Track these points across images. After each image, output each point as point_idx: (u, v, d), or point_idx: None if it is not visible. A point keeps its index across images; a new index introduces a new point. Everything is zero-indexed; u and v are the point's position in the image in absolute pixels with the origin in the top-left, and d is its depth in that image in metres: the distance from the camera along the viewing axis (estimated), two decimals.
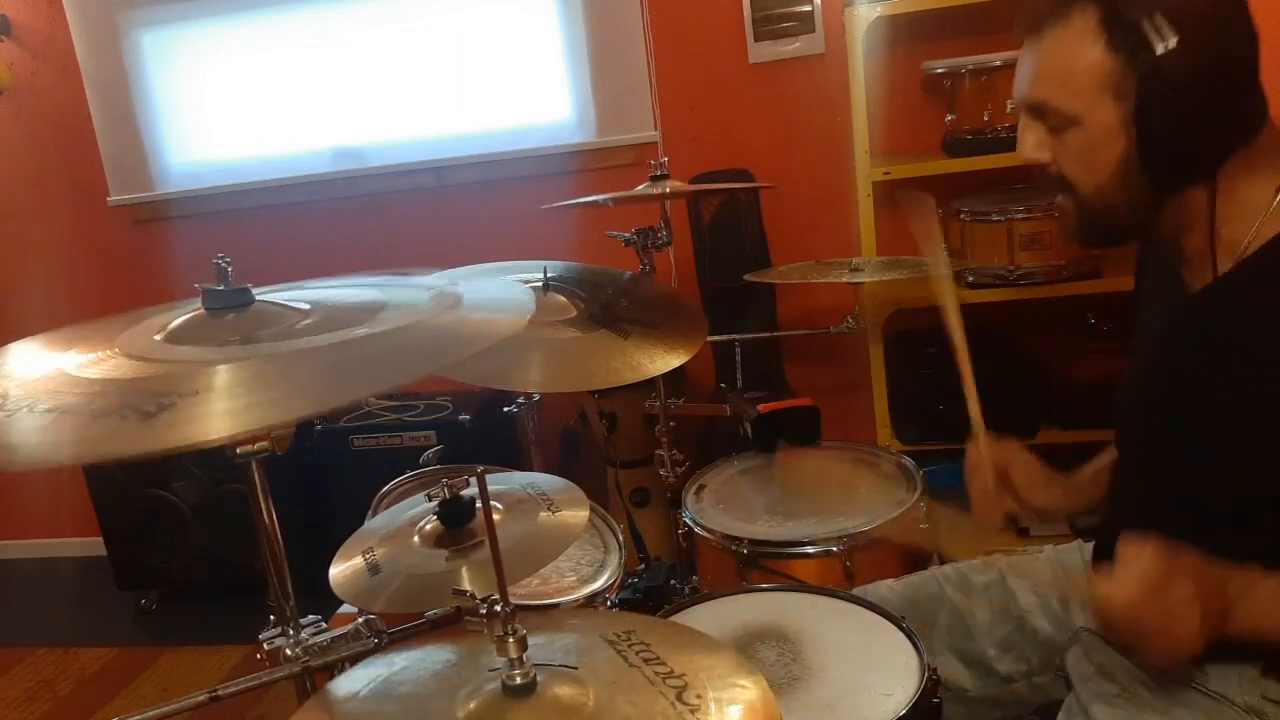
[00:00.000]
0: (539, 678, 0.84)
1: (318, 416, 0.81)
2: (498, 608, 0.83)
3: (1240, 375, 1.03)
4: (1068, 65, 1.03)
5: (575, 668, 0.88)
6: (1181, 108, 0.98)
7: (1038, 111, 1.08)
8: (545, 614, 0.89)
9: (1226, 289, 1.05)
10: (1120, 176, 1.04)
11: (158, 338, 0.89)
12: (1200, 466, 1.10)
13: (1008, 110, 2.31)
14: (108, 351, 0.87)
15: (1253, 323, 1.03)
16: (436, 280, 1.04)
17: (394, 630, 1.02)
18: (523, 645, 0.83)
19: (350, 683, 0.93)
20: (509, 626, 0.82)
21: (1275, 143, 1.03)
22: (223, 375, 0.78)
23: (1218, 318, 1.07)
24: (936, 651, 1.28)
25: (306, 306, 0.94)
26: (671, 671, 0.88)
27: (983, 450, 1.28)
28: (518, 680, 0.83)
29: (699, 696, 0.84)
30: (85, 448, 0.71)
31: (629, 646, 0.92)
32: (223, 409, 0.74)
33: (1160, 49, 0.97)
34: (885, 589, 1.43)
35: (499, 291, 1.03)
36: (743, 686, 0.87)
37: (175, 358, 0.84)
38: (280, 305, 0.94)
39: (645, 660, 0.90)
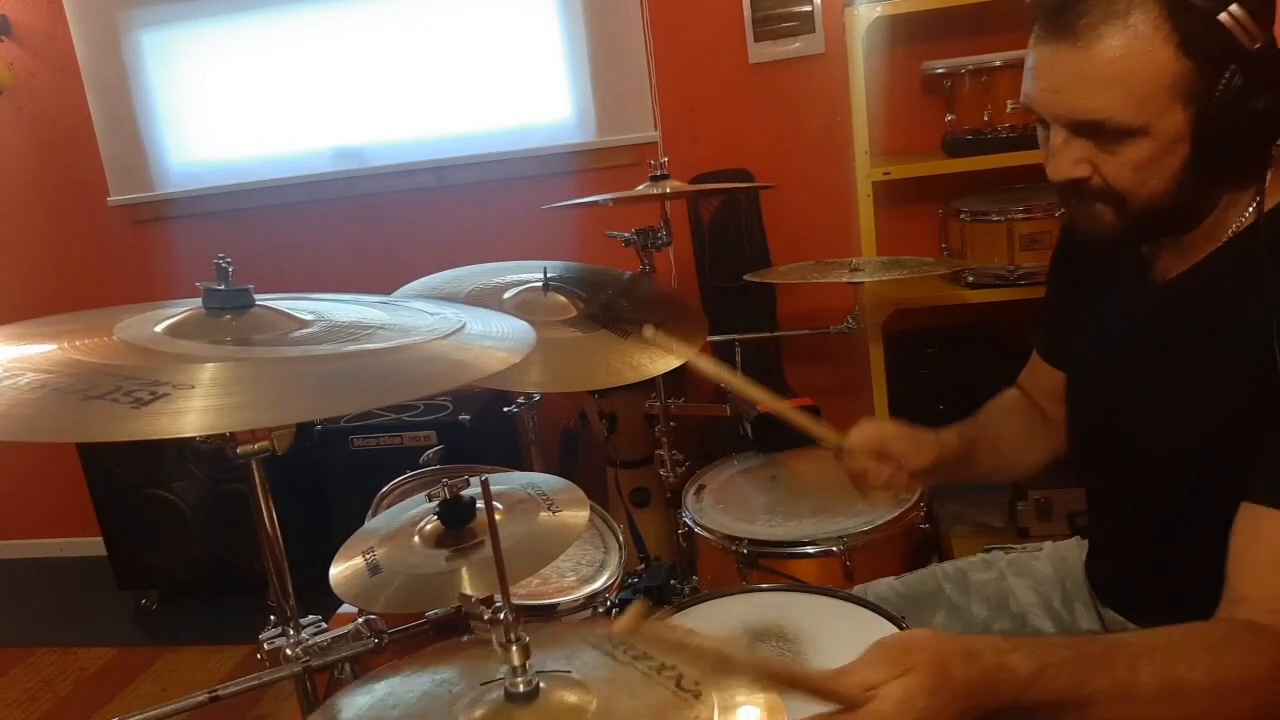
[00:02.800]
0: (540, 684, 0.84)
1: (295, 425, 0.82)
2: (501, 615, 0.83)
3: (1211, 357, 1.02)
4: (1134, 73, 0.92)
5: (570, 671, 0.88)
6: (1265, 105, 0.92)
7: (1089, 128, 0.97)
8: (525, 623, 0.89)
9: (1203, 272, 1.05)
10: (1178, 183, 0.98)
11: (156, 330, 0.90)
12: (1170, 465, 1.09)
13: (1008, 110, 2.31)
14: (86, 341, 0.87)
15: (1225, 305, 1.02)
16: (443, 308, 1.04)
17: (394, 630, 1.02)
18: (526, 652, 0.83)
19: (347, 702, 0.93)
20: (512, 633, 0.82)
21: None
22: (208, 373, 0.79)
23: (1194, 300, 1.06)
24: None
25: (308, 316, 0.94)
26: (663, 665, 0.88)
27: (853, 446, 1.25)
28: (520, 688, 0.83)
29: (697, 683, 0.84)
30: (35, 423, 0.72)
31: (614, 647, 0.93)
32: (200, 406, 0.74)
33: (1250, 44, 0.90)
34: (885, 587, 1.43)
35: (502, 325, 1.03)
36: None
37: (166, 351, 0.85)
38: (278, 312, 0.94)
39: (634, 658, 0.90)
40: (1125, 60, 0.92)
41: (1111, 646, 0.89)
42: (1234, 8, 0.90)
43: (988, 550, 1.45)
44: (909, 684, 0.80)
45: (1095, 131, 0.97)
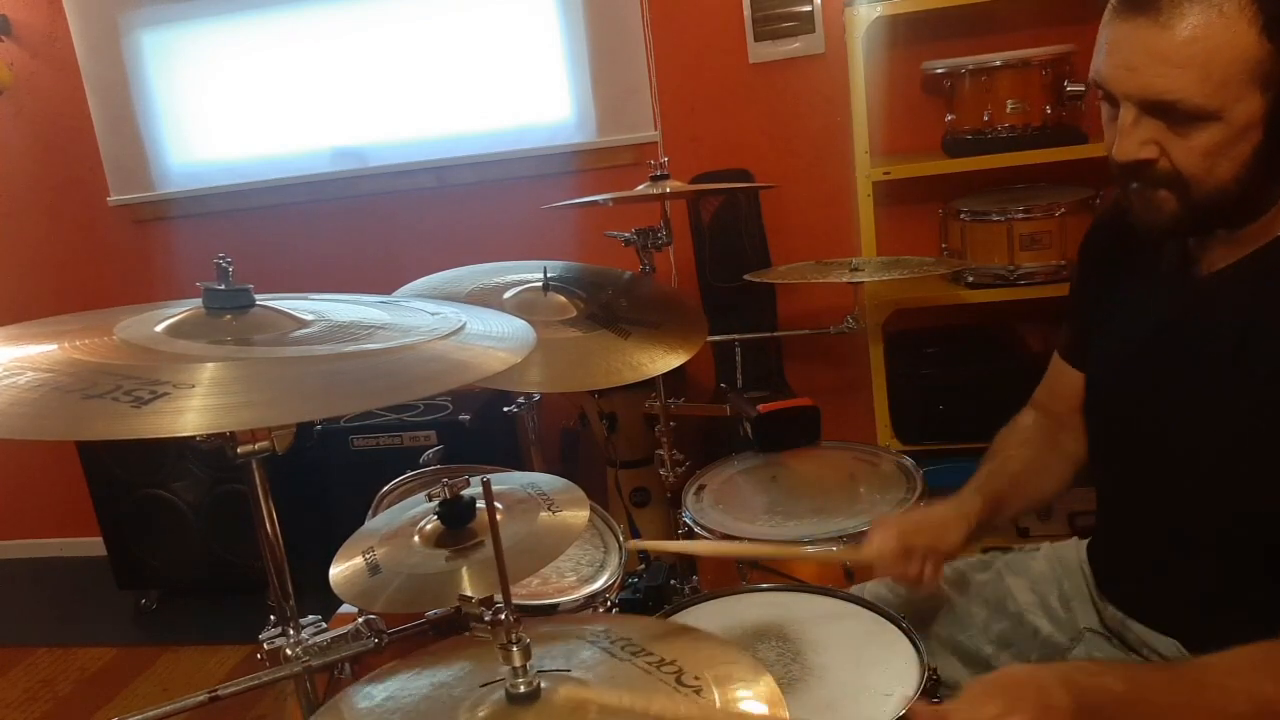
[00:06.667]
0: (541, 684, 0.84)
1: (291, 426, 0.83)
2: (502, 615, 0.83)
3: (1256, 353, 1.00)
4: (1214, 55, 0.90)
5: (569, 670, 0.88)
6: None
7: (1161, 109, 0.95)
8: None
9: (1253, 265, 1.03)
10: (1247, 170, 0.96)
11: (156, 330, 0.90)
12: (1198, 458, 1.07)
13: (1008, 110, 2.32)
14: (86, 340, 0.87)
15: (1275, 300, 1.00)
16: (443, 308, 1.04)
17: (394, 630, 1.02)
18: (527, 653, 0.82)
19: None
20: (513, 634, 0.82)
21: None
22: (208, 373, 0.79)
23: (1241, 294, 1.04)
24: (933, 650, 1.28)
25: (308, 316, 0.94)
26: (662, 660, 0.88)
27: (875, 559, 1.23)
28: (522, 688, 0.82)
29: (697, 678, 0.85)
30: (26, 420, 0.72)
31: (612, 643, 0.93)
32: (200, 406, 0.74)
33: None
34: (884, 587, 1.43)
35: (502, 325, 1.03)
36: (732, 662, 0.88)
37: (166, 350, 0.85)
38: (278, 311, 0.94)
39: (633, 654, 0.90)
40: (1206, 40, 0.90)
41: (1197, 667, 0.91)
42: None
43: (986, 551, 1.45)
44: None
45: (1167, 113, 0.95)
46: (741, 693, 0.84)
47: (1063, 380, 1.35)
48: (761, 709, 0.82)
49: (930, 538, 1.23)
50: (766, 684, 0.85)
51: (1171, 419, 1.11)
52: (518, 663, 0.82)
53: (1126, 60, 0.96)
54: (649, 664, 0.88)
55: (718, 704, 0.82)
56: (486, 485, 0.84)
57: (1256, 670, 0.88)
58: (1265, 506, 1.02)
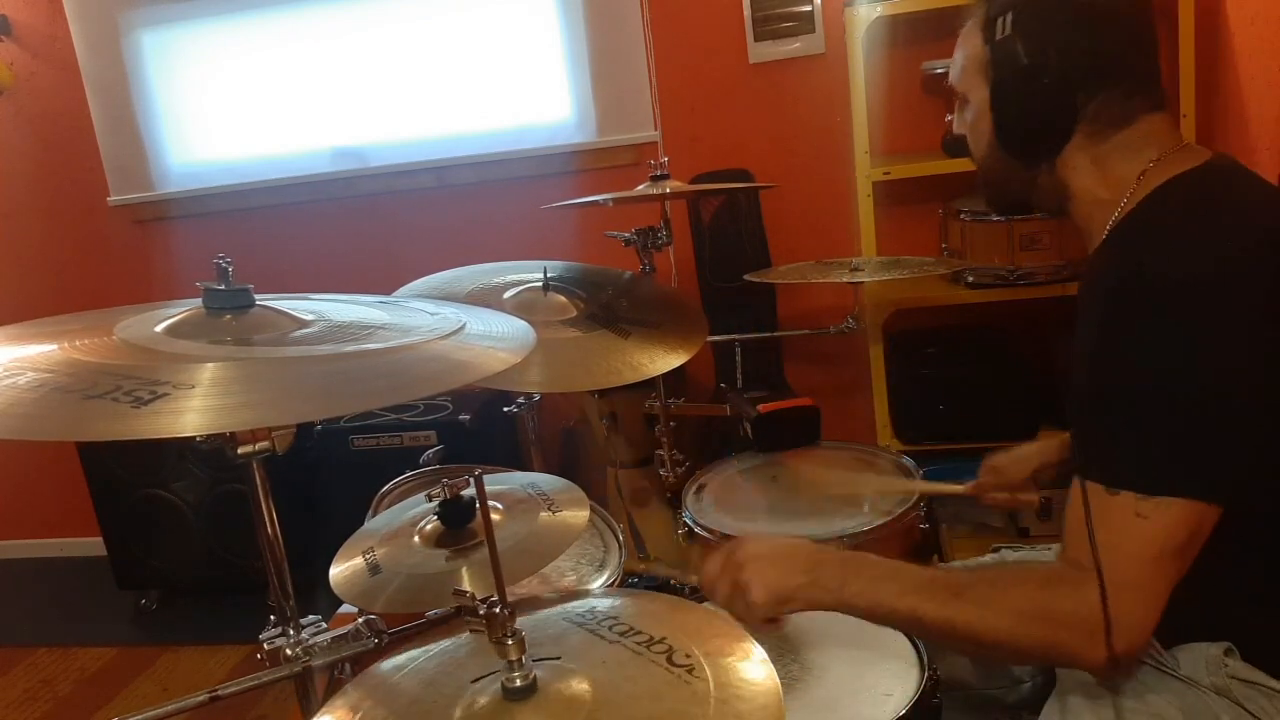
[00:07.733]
0: (537, 676, 0.84)
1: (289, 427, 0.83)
2: (496, 610, 0.83)
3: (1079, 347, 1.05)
4: (963, 52, 1.19)
5: (559, 658, 0.88)
6: (1018, 94, 1.12)
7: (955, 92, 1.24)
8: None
9: (1091, 259, 1.13)
10: (991, 149, 1.19)
11: (156, 330, 0.90)
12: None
13: None
14: (86, 340, 0.87)
15: (1083, 294, 1.08)
16: (443, 308, 1.04)
17: (394, 630, 1.02)
18: (522, 647, 0.83)
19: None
20: (507, 628, 0.82)
21: (1159, 128, 1.11)
22: (208, 373, 0.79)
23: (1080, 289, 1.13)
24: (943, 649, 1.28)
25: (308, 316, 0.94)
26: (651, 638, 0.88)
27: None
28: (518, 681, 0.83)
29: (688, 656, 0.85)
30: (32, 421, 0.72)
31: (599, 624, 0.93)
32: (200, 406, 0.74)
33: (999, 36, 1.12)
34: None
35: (502, 325, 1.03)
36: (717, 633, 0.88)
37: (166, 350, 0.85)
38: (278, 311, 0.94)
39: (621, 634, 0.90)
40: (964, 42, 1.19)
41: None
42: (1008, 11, 1.10)
43: (996, 550, 1.45)
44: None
45: (954, 94, 1.23)
46: (733, 664, 0.84)
47: None
48: (755, 680, 0.82)
49: (1005, 462, 1.58)
50: (756, 654, 0.85)
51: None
52: (513, 656, 0.82)
53: None
54: (638, 644, 0.88)
55: (711, 684, 0.82)
56: (479, 479, 0.84)
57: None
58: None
